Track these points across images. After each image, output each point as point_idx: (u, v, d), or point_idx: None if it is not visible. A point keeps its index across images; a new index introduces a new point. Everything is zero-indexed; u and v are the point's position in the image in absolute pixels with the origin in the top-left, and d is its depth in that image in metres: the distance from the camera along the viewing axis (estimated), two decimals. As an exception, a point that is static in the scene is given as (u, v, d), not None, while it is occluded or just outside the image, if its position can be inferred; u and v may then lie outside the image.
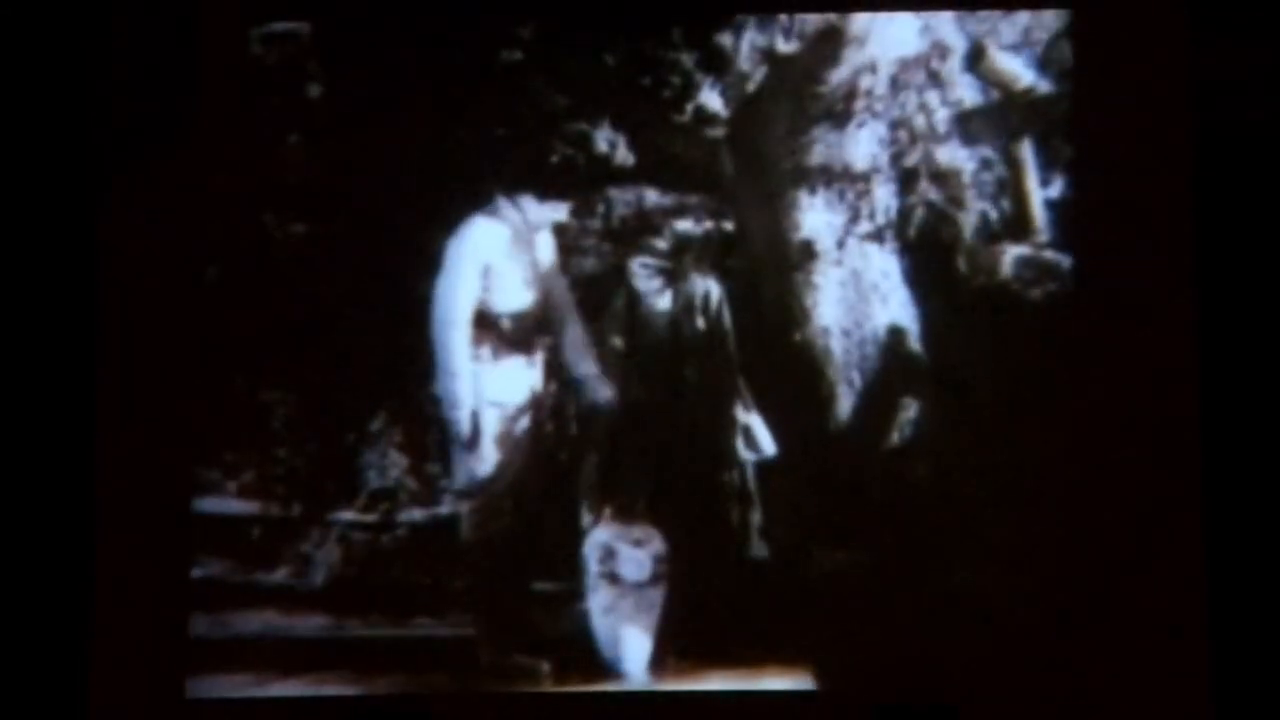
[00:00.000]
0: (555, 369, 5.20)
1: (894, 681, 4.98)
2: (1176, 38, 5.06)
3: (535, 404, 5.19)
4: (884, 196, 5.15)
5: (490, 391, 5.18)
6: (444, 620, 5.10)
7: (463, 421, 5.16)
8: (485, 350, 5.19)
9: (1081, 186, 5.08)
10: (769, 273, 5.18)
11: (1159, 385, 4.97)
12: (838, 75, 5.20)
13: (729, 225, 5.19)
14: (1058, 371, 5.03)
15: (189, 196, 5.17)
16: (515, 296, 5.21)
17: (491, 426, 5.17)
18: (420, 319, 5.17)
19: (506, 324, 5.20)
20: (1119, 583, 4.94)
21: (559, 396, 5.19)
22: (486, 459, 5.16)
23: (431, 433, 5.18)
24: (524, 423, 5.17)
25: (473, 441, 5.15)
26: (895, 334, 5.12)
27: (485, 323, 5.20)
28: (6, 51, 5.21)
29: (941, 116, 5.15)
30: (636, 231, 5.20)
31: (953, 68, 5.16)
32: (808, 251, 5.17)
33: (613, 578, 5.07)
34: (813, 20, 5.21)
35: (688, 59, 5.22)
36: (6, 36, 5.21)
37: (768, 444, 5.09)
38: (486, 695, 5.05)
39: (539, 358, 5.21)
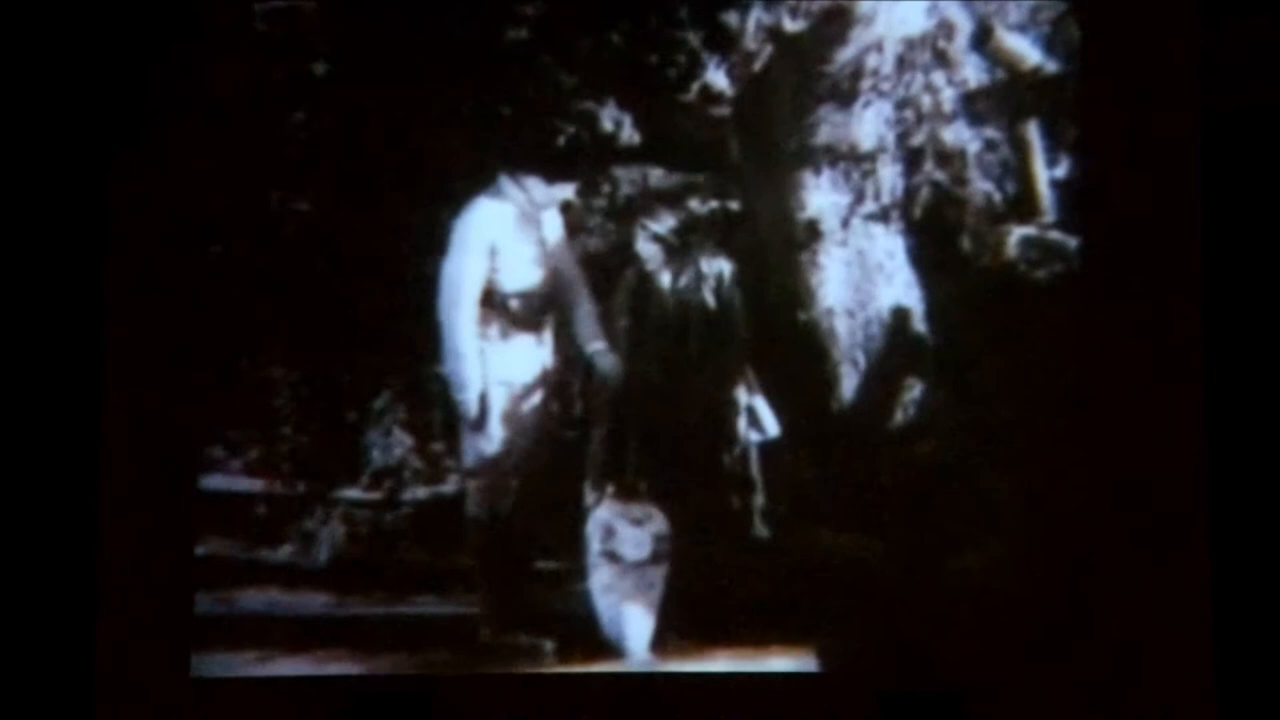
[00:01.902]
0: (563, 347, 5.20)
1: (897, 662, 4.98)
2: (1184, 18, 5.04)
3: (543, 382, 5.19)
4: (889, 176, 5.14)
5: (499, 370, 5.18)
6: (447, 598, 5.10)
7: (471, 403, 5.16)
8: (493, 330, 5.19)
9: (1088, 167, 5.06)
10: (774, 252, 5.18)
11: (1164, 366, 4.95)
12: (844, 54, 5.18)
13: (734, 205, 5.19)
14: (1063, 352, 5.02)
15: (194, 174, 5.18)
16: (523, 276, 5.21)
17: (499, 405, 5.17)
18: (425, 298, 5.18)
19: (514, 303, 5.20)
20: (1124, 566, 4.93)
21: (564, 375, 5.19)
22: (494, 437, 5.17)
23: (435, 412, 5.18)
24: (532, 401, 5.17)
25: (481, 422, 5.15)
26: (900, 314, 5.11)
27: (493, 302, 5.20)
28: (11, 30, 5.21)
29: (948, 96, 5.14)
30: (642, 210, 5.19)
31: (959, 47, 5.14)
32: (813, 231, 5.16)
33: (612, 556, 5.07)
34: (819, -1, 5.21)
35: (694, 38, 5.21)
36: (11, 15, 5.21)
37: (771, 424, 5.09)
38: (489, 674, 5.06)
39: (547, 336, 5.21)
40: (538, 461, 5.17)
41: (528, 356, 5.19)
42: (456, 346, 5.17)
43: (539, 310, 5.21)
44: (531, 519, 5.14)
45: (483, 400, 5.16)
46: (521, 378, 5.19)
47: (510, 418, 5.17)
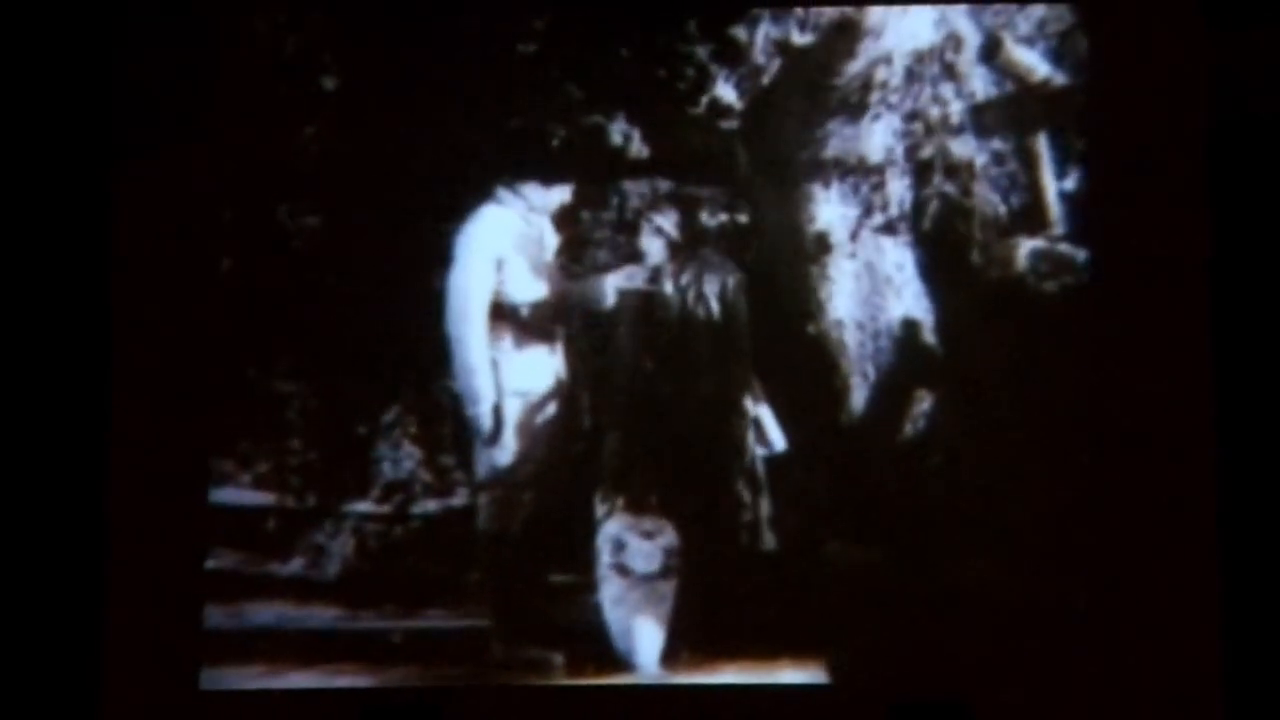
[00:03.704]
0: (574, 358, 5.20)
1: (907, 675, 4.98)
2: (1191, 29, 5.05)
3: (556, 393, 5.18)
4: (898, 189, 5.15)
5: (513, 381, 5.18)
6: (457, 612, 5.10)
7: (484, 416, 5.15)
8: (506, 341, 5.19)
9: (1097, 179, 5.07)
10: (783, 265, 5.18)
11: (1173, 378, 4.96)
12: (853, 67, 5.19)
13: (743, 218, 5.19)
14: (1072, 364, 5.03)
15: (204, 188, 5.18)
16: (531, 285, 5.21)
17: (513, 417, 5.17)
18: (434, 311, 5.17)
19: (525, 313, 5.20)
20: (1132, 577, 4.93)
21: (574, 388, 5.19)
22: (506, 449, 5.16)
23: (445, 425, 5.18)
24: (545, 412, 5.17)
25: (495, 435, 5.15)
26: (909, 327, 5.12)
27: (503, 314, 5.20)
28: (20, 42, 5.22)
29: (956, 109, 5.15)
30: (649, 206, 5.19)
31: (968, 60, 5.15)
32: (822, 244, 5.17)
33: (622, 569, 5.07)
34: (828, 12, 5.20)
35: (702, 51, 5.22)
36: (20, 27, 5.22)
37: (778, 438, 5.09)
38: (499, 688, 5.05)
39: (559, 346, 5.20)
40: (548, 474, 5.17)
41: (541, 367, 5.19)
42: (467, 360, 5.17)
43: (550, 319, 5.21)
44: (542, 532, 5.14)
45: (497, 412, 5.16)
46: (535, 388, 5.19)
47: (523, 429, 5.17)
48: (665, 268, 5.19)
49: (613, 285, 5.19)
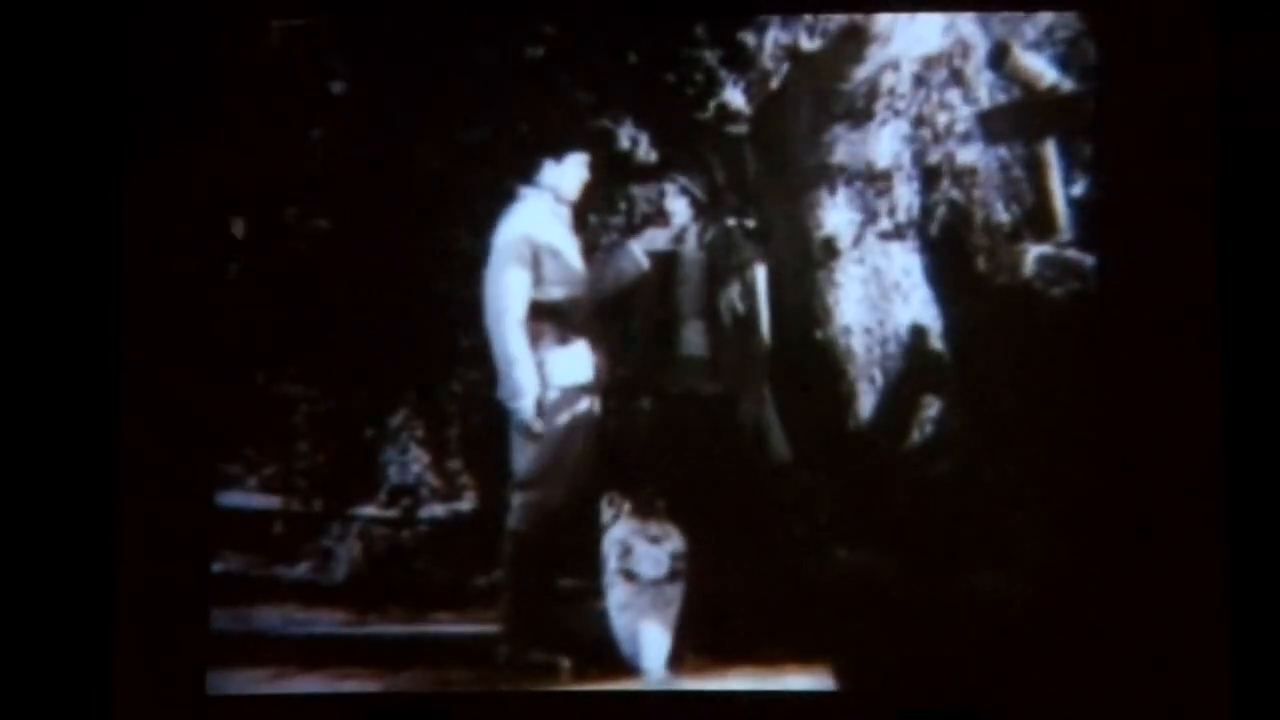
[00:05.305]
0: (603, 351, 5.20)
1: (914, 681, 4.97)
2: (1201, 36, 5.04)
3: (581, 391, 5.18)
4: (906, 195, 5.15)
5: (555, 376, 5.18)
6: (464, 616, 5.10)
7: (527, 410, 5.15)
8: (548, 338, 5.18)
9: (1105, 185, 5.07)
10: (791, 270, 5.18)
11: (1181, 384, 4.95)
12: (861, 73, 5.20)
13: (751, 223, 5.19)
14: (1080, 370, 5.02)
15: (212, 192, 5.19)
16: (565, 282, 5.21)
17: (550, 412, 5.17)
18: (442, 314, 5.18)
19: (564, 306, 5.20)
20: (1140, 584, 4.92)
21: (590, 388, 5.20)
22: (533, 448, 5.17)
23: (452, 428, 5.19)
24: (573, 410, 5.16)
25: (540, 430, 5.15)
26: (917, 332, 5.12)
27: (542, 309, 5.19)
28: (29, 46, 5.23)
29: (964, 115, 5.14)
30: (675, 166, 5.20)
31: (976, 66, 5.15)
32: (830, 249, 5.17)
33: (629, 574, 5.07)
34: (836, 18, 5.20)
35: (711, 56, 5.22)
36: (29, 32, 5.23)
37: (786, 443, 5.09)
38: (505, 692, 5.05)
39: (597, 343, 5.21)
40: (559, 477, 5.17)
41: (581, 362, 5.19)
42: (509, 354, 5.15)
43: (587, 311, 5.20)
44: (553, 535, 5.14)
45: (540, 407, 5.15)
46: (571, 383, 5.18)
47: (554, 427, 5.18)
48: (690, 228, 5.19)
49: (641, 249, 5.19)
